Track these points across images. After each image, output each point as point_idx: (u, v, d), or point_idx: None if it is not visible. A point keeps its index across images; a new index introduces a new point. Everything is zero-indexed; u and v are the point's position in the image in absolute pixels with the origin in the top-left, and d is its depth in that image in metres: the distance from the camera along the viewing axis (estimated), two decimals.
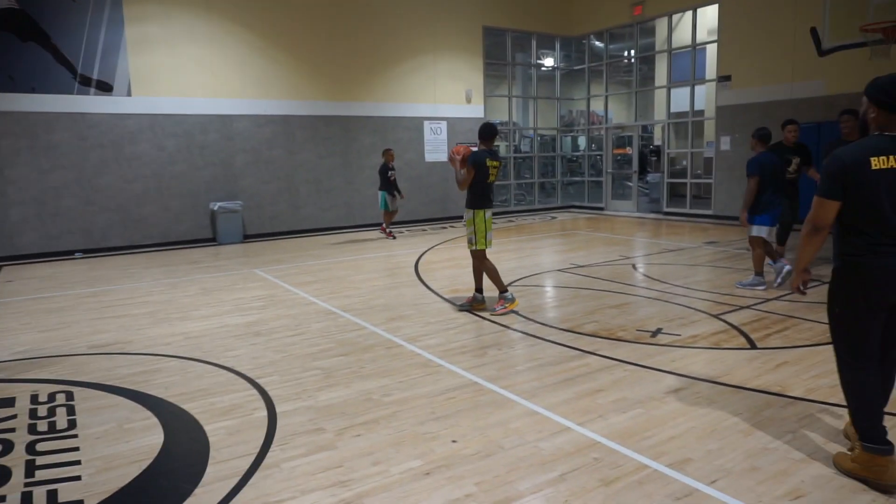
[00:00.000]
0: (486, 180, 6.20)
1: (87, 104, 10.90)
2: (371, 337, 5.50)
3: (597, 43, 17.47)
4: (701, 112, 15.02)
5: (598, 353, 4.90)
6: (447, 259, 9.64)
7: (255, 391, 4.28)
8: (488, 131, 6.28)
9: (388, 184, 11.93)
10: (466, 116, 15.54)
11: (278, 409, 3.94)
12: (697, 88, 14.81)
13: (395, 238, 12.17)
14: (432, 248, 10.88)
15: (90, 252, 11.07)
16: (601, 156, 17.34)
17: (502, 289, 6.30)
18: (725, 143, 13.90)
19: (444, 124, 15.16)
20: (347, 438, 3.52)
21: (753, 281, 6.99)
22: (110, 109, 11.11)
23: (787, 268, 6.85)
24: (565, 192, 18.28)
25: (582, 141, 18.90)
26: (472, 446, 3.39)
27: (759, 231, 6.83)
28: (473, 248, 6.29)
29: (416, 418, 3.77)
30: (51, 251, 10.79)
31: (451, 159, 6.35)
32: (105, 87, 11.04)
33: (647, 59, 16.45)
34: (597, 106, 17.77)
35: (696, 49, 14.53)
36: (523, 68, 17.32)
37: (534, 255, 9.93)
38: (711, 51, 15.27)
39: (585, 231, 12.82)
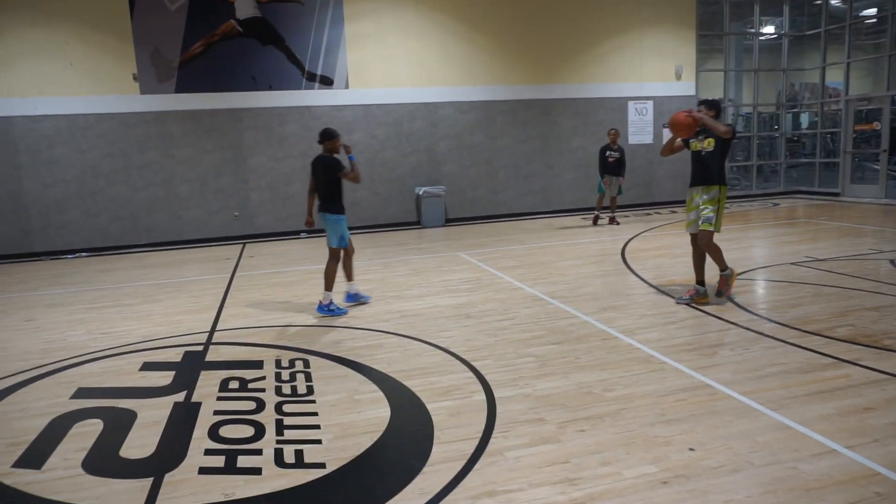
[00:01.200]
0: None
1: (312, 98, 11.99)
2: (584, 326, 5.26)
3: (833, 2, 15.12)
4: None
5: (859, 363, 4.15)
6: (656, 247, 9.01)
7: (471, 374, 4.28)
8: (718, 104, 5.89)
9: (605, 165, 11.53)
10: (675, 94, 14.40)
11: (496, 395, 3.89)
12: None
13: (618, 223, 11.79)
14: (638, 234, 10.26)
15: (312, 234, 12.21)
16: (833, 134, 15.03)
17: (723, 267, 5.82)
18: None
19: (650, 104, 14.22)
20: (571, 433, 3.34)
21: None
22: (330, 102, 12.10)
23: None
24: (788, 175, 16.20)
25: (805, 118, 16.54)
26: (715, 458, 3.01)
27: None
28: (710, 228, 5.69)
29: (644, 419, 3.46)
30: (281, 230, 12.10)
31: (695, 119, 5.51)
32: (327, 82, 12.04)
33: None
34: (833, 77, 15.41)
35: None
36: (741, 39, 15.57)
37: (759, 245, 8.89)
38: None
39: (820, 219, 11.19)
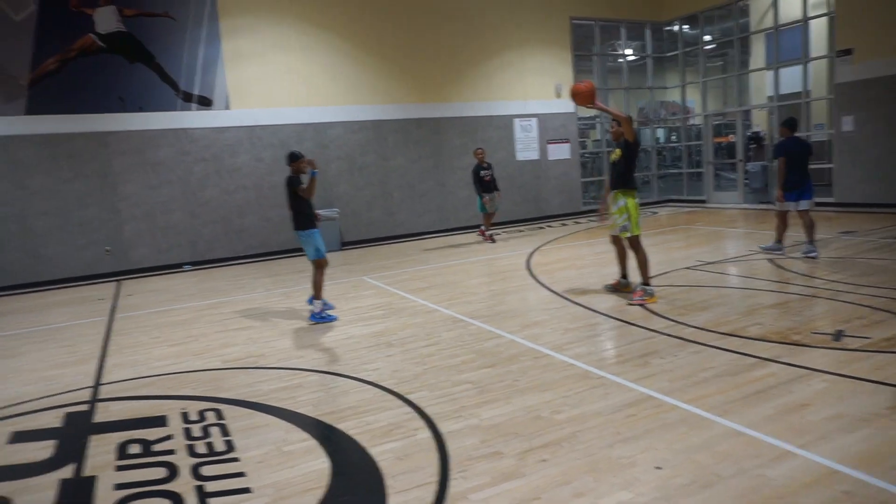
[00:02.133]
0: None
1: (189, 119, 11.12)
2: (511, 346, 5.12)
3: (685, 29, 16.53)
4: (799, 94, 13.93)
5: (779, 360, 4.31)
6: (558, 260, 9.16)
7: (408, 408, 3.97)
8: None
9: (481, 184, 11.54)
10: (557, 112, 14.98)
11: (442, 429, 3.61)
12: (795, 69, 13.71)
13: (494, 241, 11.75)
14: (537, 249, 10.42)
15: (197, 264, 11.27)
16: (692, 147, 16.37)
17: (647, 281, 6.25)
18: (847, 123, 12.72)
19: (534, 121, 14.68)
20: (532, 463, 3.13)
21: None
22: (210, 123, 11.30)
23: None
24: (658, 186, 17.35)
25: (662, 133, 17.88)
26: (684, 474, 2.93)
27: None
28: (627, 234, 6.23)
29: (602, 440, 3.34)
30: (162, 264, 11.05)
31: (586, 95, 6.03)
32: (205, 102, 11.24)
33: (742, 42, 15.35)
34: (690, 95, 16.80)
35: (807, 22, 13.40)
36: (609, 60, 16.58)
37: (652, 252, 9.30)
38: (818, 26, 14.16)
39: (697, 225, 12.00)
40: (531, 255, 9.79)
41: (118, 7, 10.48)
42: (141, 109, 10.75)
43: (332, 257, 11.34)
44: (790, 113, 14.59)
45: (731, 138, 15.83)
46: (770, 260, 7.90)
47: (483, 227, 11.98)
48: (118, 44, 10.49)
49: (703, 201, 16.10)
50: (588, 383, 4.17)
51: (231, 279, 9.63)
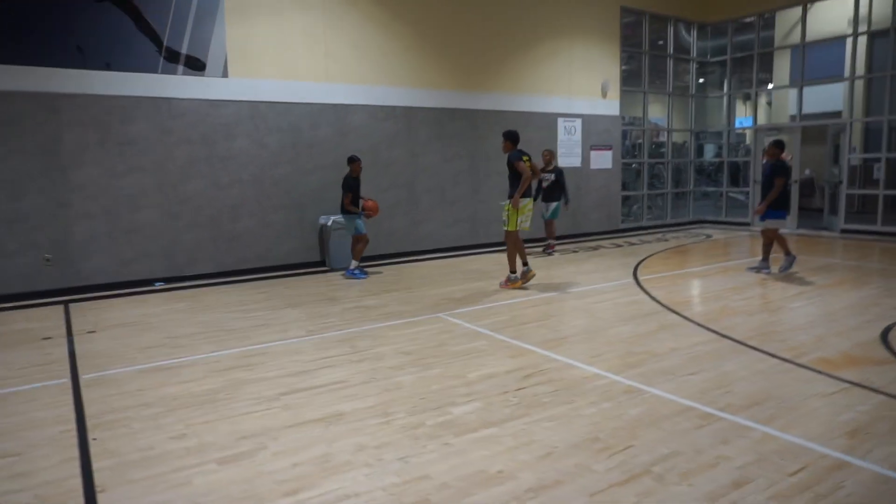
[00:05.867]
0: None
1: (173, 86, 8.27)
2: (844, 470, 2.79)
3: (718, 37, 14.87)
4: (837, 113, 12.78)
5: None
6: (678, 289, 6.93)
7: None
8: (516, 136, 7.76)
9: (539, 189, 10.51)
10: (602, 114, 12.90)
11: None
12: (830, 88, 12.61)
13: (550, 254, 10.56)
14: (638, 275, 8.16)
15: (173, 281, 8.39)
16: (742, 163, 14.70)
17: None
18: None
19: (578, 122, 12.52)
20: None
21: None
22: (202, 94, 8.48)
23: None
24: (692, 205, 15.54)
25: (710, 148, 16.12)
26: None
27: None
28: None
29: None
30: (124, 280, 8.10)
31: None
32: (196, 65, 8.42)
33: (766, 56, 13.79)
34: (713, 106, 15.12)
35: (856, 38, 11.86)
36: (657, 59, 14.62)
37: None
38: (857, 43, 12.75)
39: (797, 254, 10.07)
40: (640, 282, 7.53)
41: None
42: (108, 67, 7.83)
43: (355, 281, 8.82)
44: (818, 133, 13.17)
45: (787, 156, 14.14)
46: None
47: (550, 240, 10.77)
48: None
49: (746, 224, 14.39)
50: None
51: (233, 307, 6.87)
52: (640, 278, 8.15)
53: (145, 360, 4.95)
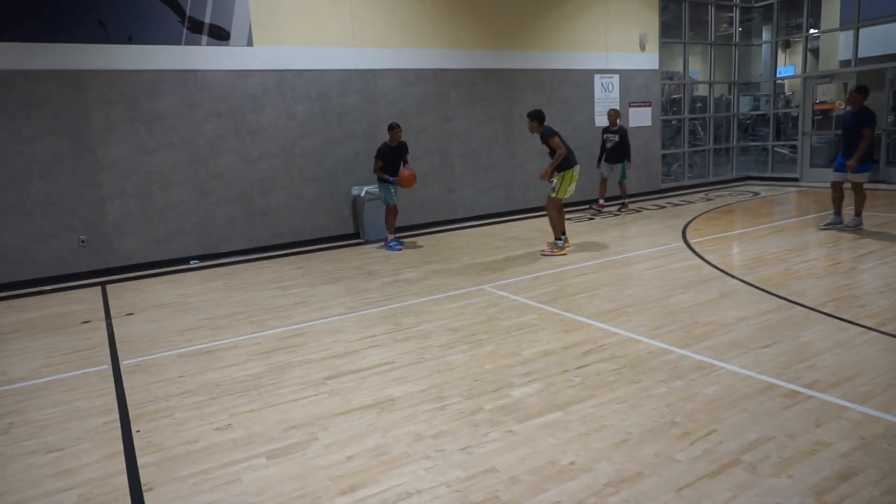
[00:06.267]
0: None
1: (198, 58, 8.00)
2: None
3: None
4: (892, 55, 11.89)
5: None
6: (732, 252, 6.53)
7: None
8: (542, 114, 7.33)
9: (602, 150, 10.87)
10: (640, 68, 12.27)
11: None
12: (884, 29, 11.70)
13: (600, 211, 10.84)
14: (684, 230, 7.76)
15: (207, 259, 8.27)
16: (782, 115, 13.91)
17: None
18: None
19: (616, 78, 11.93)
20: None
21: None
22: (227, 65, 8.20)
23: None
24: (724, 162, 14.83)
25: (747, 100, 15.30)
26: None
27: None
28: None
29: None
30: (159, 259, 8.00)
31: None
32: (220, 35, 8.12)
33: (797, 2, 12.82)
34: (781, 51, 14.26)
35: None
36: (693, 8, 13.81)
37: None
38: None
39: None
40: (691, 246, 7.13)
41: None
42: (130, 40, 7.59)
43: (383, 249, 8.58)
44: (874, 77, 12.30)
45: (840, 104, 13.33)
46: None
47: (601, 199, 11.05)
48: None
49: (794, 179, 13.71)
50: None
51: (270, 284, 6.69)
52: (691, 241, 7.73)
53: (185, 344, 4.80)
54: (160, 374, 4.16)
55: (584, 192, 12.32)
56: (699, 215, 9.87)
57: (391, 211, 8.41)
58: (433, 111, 9.89)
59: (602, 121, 11.76)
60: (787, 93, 15.53)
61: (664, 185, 13.14)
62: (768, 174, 14.32)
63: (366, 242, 9.07)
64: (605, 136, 10.72)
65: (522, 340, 4.44)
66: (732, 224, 9.02)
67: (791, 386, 3.43)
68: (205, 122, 8.13)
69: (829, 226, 7.92)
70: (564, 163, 7.19)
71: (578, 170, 7.33)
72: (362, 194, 9.01)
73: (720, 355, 3.94)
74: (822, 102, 13.75)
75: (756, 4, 14.26)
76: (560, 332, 4.57)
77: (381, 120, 9.37)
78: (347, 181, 9.23)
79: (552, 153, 7.27)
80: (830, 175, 8.06)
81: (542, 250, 7.52)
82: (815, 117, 13.63)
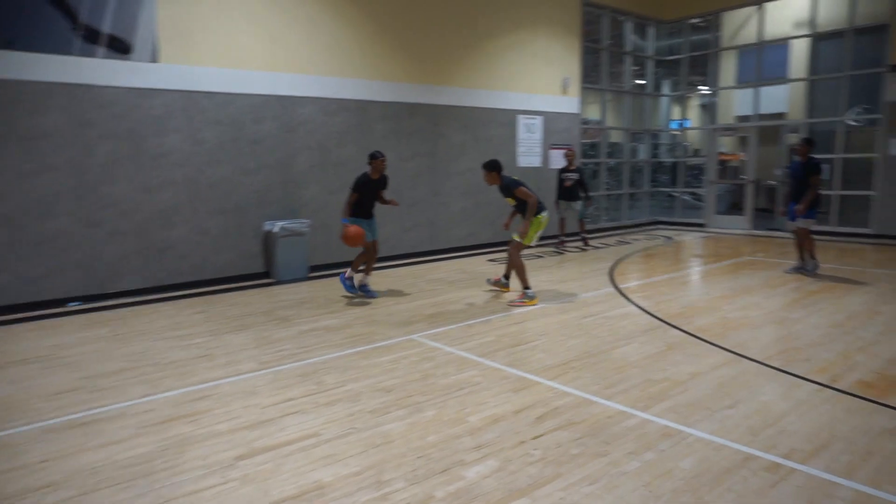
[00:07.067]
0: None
1: (93, 71, 7.07)
2: None
3: (669, 37, 14.70)
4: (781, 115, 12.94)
5: None
6: (668, 299, 6.39)
7: None
8: (499, 163, 6.93)
9: (560, 190, 11.30)
10: (563, 111, 12.38)
11: None
12: (774, 89, 13.10)
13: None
14: (611, 274, 7.58)
15: (92, 300, 7.20)
16: (685, 164, 14.52)
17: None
18: None
19: (539, 120, 11.94)
20: None
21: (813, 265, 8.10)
22: (127, 81, 7.31)
23: None
24: (630, 206, 15.25)
25: (642, 150, 15.85)
26: None
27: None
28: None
29: None
30: (32, 300, 6.85)
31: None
32: (121, 48, 7.25)
33: (703, 59, 13.73)
34: (682, 104, 14.97)
35: (854, 33, 11.87)
36: (614, 57, 14.25)
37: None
38: (798, 46, 12.82)
39: (765, 258, 9.79)
40: (622, 291, 6.93)
41: None
42: (10, 45, 6.58)
43: (302, 290, 7.86)
44: (768, 133, 13.28)
45: (742, 156, 14.07)
46: None
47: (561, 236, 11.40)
48: None
49: (701, 224, 14.24)
50: None
51: (168, 333, 5.80)
52: (621, 286, 7.58)
53: (54, 413, 3.90)
54: (15, 460, 3.28)
55: (557, 228, 12.21)
56: (622, 259, 9.85)
57: (366, 246, 7.20)
58: (355, 143, 9.36)
59: (525, 161, 11.70)
60: (686, 143, 16.28)
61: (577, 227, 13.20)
62: (676, 219, 14.81)
63: (277, 283, 8.30)
64: (563, 175, 11.05)
65: (466, 403, 3.92)
66: (655, 269, 9.02)
67: (770, 457, 3.11)
68: (97, 145, 7.16)
69: (794, 270, 8.25)
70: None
71: (547, 217, 6.92)
72: (275, 230, 8.26)
73: (684, 419, 3.60)
74: (724, 153, 14.48)
75: (667, 58, 14.93)
76: (507, 393, 4.10)
77: (297, 150, 8.72)
78: (259, 215, 8.46)
79: (520, 205, 6.81)
80: (787, 225, 8.37)
81: (512, 301, 6.80)
82: (718, 167, 14.31)
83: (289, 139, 8.66)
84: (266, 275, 8.55)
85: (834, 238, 11.73)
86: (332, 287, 7.90)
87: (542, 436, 3.42)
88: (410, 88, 9.90)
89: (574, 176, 10.98)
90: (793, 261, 8.58)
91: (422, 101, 10.06)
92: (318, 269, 8.91)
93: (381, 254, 9.75)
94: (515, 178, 6.94)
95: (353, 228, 6.79)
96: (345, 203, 6.99)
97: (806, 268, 8.14)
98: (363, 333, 5.65)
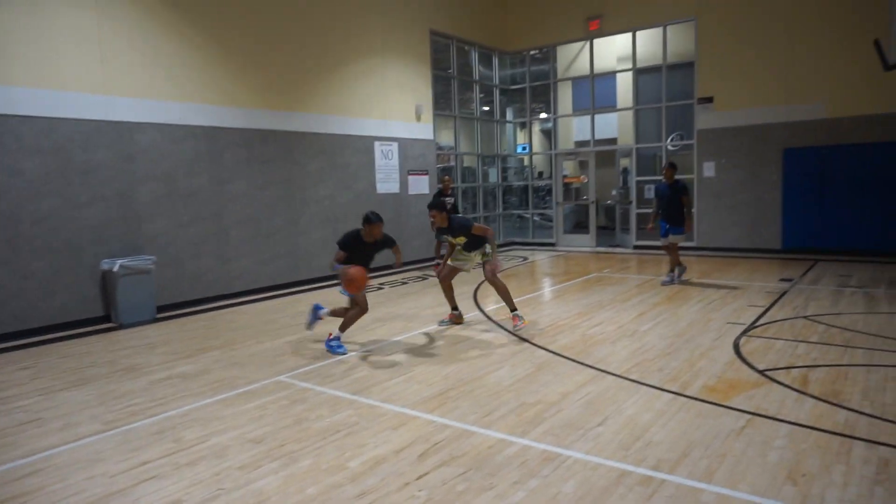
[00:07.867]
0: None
1: None
2: None
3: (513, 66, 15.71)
4: (614, 140, 14.48)
5: None
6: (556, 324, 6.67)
7: None
8: (442, 203, 6.90)
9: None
10: (417, 138, 12.58)
11: None
12: (606, 116, 14.66)
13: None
14: (474, 297, 7.74)
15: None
16: (531, 186, 15.46)
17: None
18: (709, 168, 12.81)
19: (395, 146, 12.03)
20: None
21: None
22: None
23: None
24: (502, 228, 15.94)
25: (493, 173, 16.64)
26: None
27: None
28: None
29: None
30: None
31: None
32: None
33: (544, 88, 14.96)
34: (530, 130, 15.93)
35: (667, 69, 13.34)
36: (464, 86, 14.78)
37: (663, 320, 7.39)
38: (623, 79, 14.38)
39: (611, 273, 10.57)
40: (487, 314, 7.10)
41: None
42: None
43: (149, 333, 7.14)
44: (604, 157, 14.66)
45: (584, 179, 15.16)
46: (806, 317, 6.55)
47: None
48: None
49: (552, 244, 15.14)
50: None
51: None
52: (486, 309, 7.77)
53: None
54: None
55: (419, 252, 12.12)
56: (482, 281, 10.12)
57: (354, 303, 6.14)
58: (205, 172, 8.78)
59: (384, 187, 11.71)
60: (531, 166, 17.30)
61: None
62: (529, 240, 15.61)
63: (120, 327, 7.49)
64: (440, 199, 10.93)
65: (345, 447, 3.74)
66: (514, 290, 9.30)
67: (642, 470, 3.29)
68: None
69: (668, 282, 9.08)
70: (480, 240, 6.72)
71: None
72: (115, 268, 7.47)
73: (561, 441, 3.71)
74: (567, 176, 15.56)
75: (510, 87, 15.79)
76: (386, 431, 3.97)
77: (139, 180, 8.00)
78: (95, 253, 7.61)
79: (476, 241, 6.71)
80: (660, 241, 9.40)
81: (516, 326, 6.49)
82: (563, 188, 15.35)
83: (128, 169, 7.92)
84: (107, 318, 7.69)
85: (660, 253, 12.99)
86: (184, 328, 7.28)
87: (426, 475, 3.34)
88: (262, 114, 9.52)
89: (450, 200, 11.12)
90: (662, 275, 9.50)
91: (275, 127, 9.71)
92: (167, 310, 8.18)
93: (238, 289, 9.24)
94: (465, 217, 7.21)
95: (355, 269, 5.69)
96: (335, 260, 5.92)
97: (679, 276, 9.09)
98: (224, 378, 5.23)
